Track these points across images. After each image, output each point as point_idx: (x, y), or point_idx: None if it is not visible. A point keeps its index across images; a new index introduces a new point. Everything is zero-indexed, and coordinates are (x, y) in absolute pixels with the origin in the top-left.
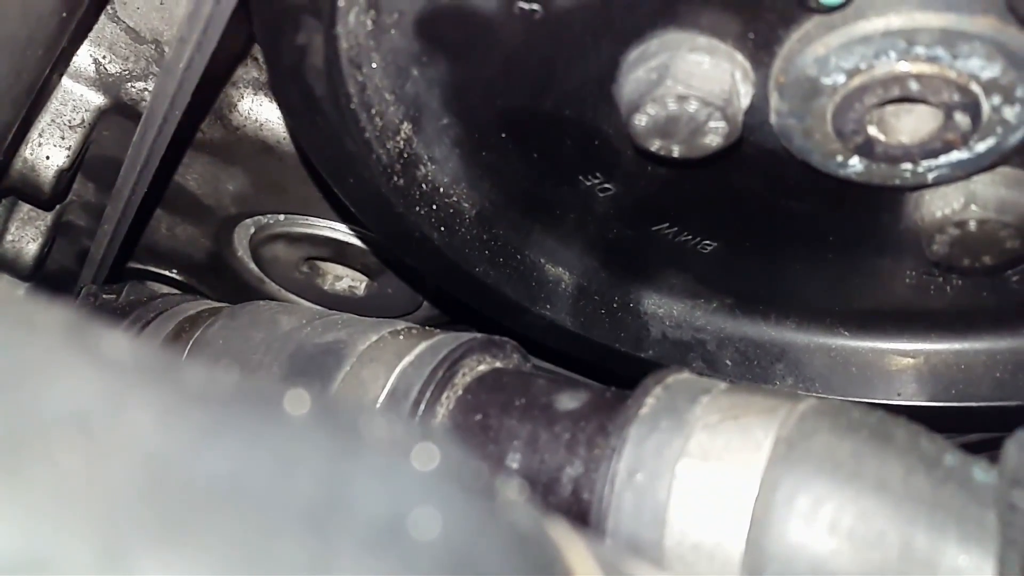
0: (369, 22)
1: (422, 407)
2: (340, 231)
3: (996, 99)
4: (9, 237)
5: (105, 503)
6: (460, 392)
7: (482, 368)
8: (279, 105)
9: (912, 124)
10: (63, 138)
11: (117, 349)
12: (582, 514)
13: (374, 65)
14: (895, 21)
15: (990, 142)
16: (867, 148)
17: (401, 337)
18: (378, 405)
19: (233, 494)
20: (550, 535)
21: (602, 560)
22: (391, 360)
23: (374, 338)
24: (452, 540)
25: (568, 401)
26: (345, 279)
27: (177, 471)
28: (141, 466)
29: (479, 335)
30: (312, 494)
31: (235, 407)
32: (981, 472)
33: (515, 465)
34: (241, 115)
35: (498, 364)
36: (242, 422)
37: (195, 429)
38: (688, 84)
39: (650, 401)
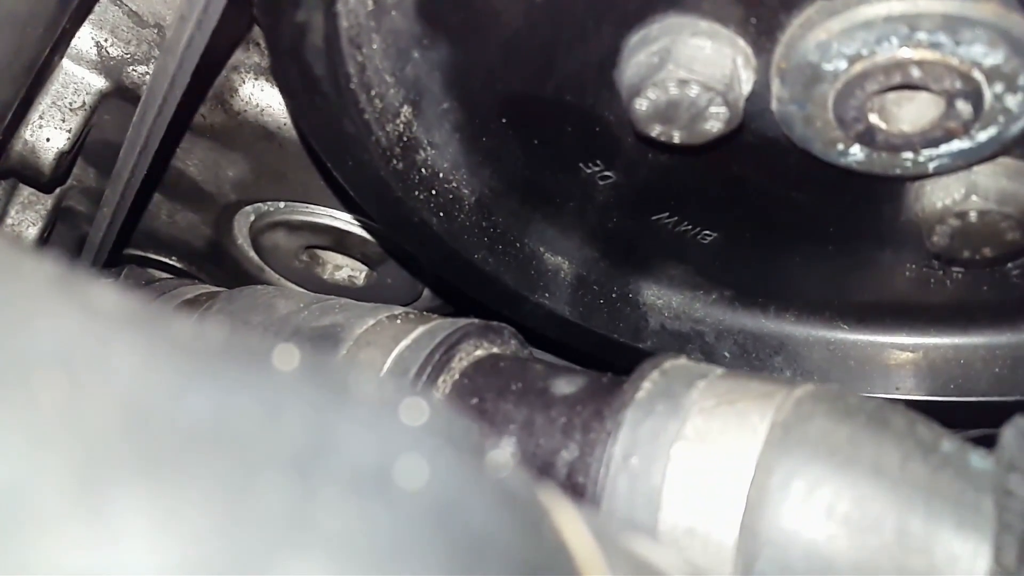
0: (370, 2)
1: (418, 390)
2: (341, 219)
3: (998, 87)
4: (9, 221)
5: (85, 437)
6: (456, 376)
7: (479, 353)
8: (278, 85)
9: (914, 112)
10: (64, 120)
11: (104, 296)
12: (577, 498)
13: (374, 46)
14: (897, 6)
15: (992, 131)
16: (868, 136)
17: (398, 321)
18: None
19: (216, 436)
20: (538, 497)
21: (594, 526)
22: (388, 344)
23: (371, 322)
24: (438, 491)
25: (564, 386)
26: (345, 268)
27: (159, 412)
28: (122, 405)
29: (476, 320)
30: (297, 439)
31: (222, 356)
32: (978, 459)
33: (511, 449)
34: (242, 100)
35: (495, 349)
36: (229, 370)
37: (180, 374)
38: (690, 69)
39: (646, 385)
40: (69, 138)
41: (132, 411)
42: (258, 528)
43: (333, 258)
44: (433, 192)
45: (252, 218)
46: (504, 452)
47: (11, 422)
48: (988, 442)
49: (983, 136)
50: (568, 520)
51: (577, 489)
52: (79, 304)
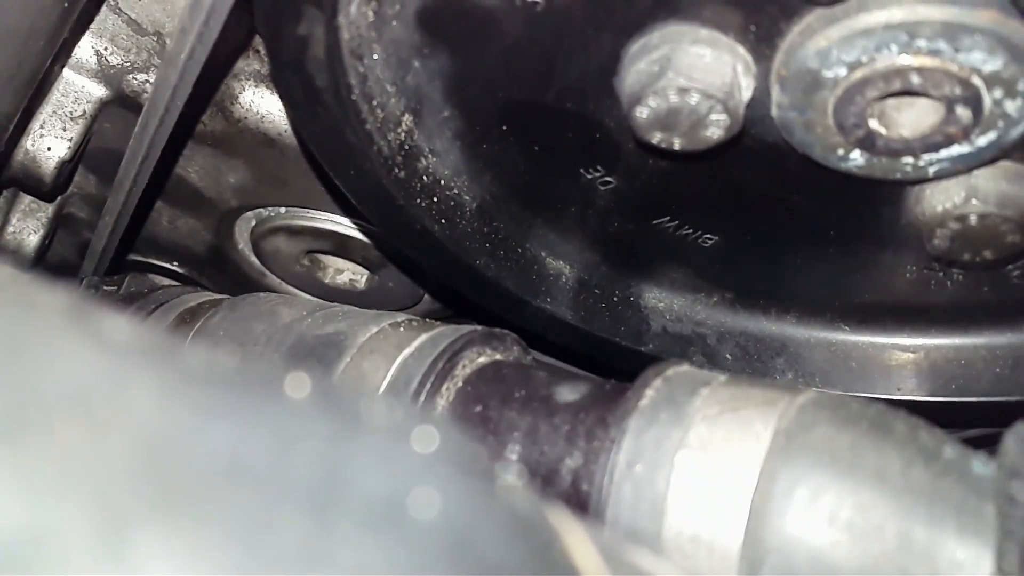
0: (370, 13)
1: (422, 398)
2: (341, 224)
3: (998, 93)
4: (10, 229)
5: (105, 479)
6: (460, 384)
7: (482, 360)
8: (280, 96)
9: (913, 118)
10: (64, 129)
11: (119, 330)
12: (581, 505)
13: (375, 56)
14: (897, 14)
15: (991, 136)
16: (868, 142)
17: (401, 329)
18: None
19: (233, 472)
20: (549, 519)
21: (600, 545)
22: (391, 351)
23: (374, 330)
24: (451, 521)
25: (568, 393)
26: (346, 273)
27: (177, 449)
28: (141, 444)
29: (479, 327)
30: (312, 473)
31: (236, 389)
32: (980, 465)
33: (514, 456)
34: (243, 107)
35: (498, 356)
36: (243, 403)
37: (196, 409)
38: (690, 76)
39: (650, 393)
40: (70, 147)
41: (150, 450)
42: (277, 564)
43: (334, 262)
44: (435, 199)
45: (253, 223)
46: (513, 475)
47: (31, 464)
48: (988, 442)
49: (983, 141)
50: (577, 542)
51: (582, 497)
52: (93, 340)
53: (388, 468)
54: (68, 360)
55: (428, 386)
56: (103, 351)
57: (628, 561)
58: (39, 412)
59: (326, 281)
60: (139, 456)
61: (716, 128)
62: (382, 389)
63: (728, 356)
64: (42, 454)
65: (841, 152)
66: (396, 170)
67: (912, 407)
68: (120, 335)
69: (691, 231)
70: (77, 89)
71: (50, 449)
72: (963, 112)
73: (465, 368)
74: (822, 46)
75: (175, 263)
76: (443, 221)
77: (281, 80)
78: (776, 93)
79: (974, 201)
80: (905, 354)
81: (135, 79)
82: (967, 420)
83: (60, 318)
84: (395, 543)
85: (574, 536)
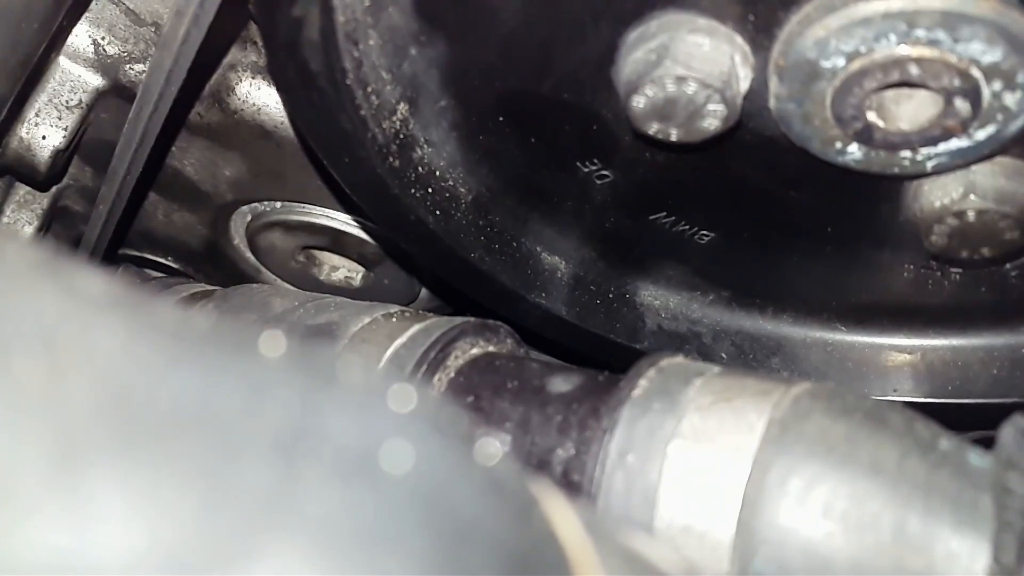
0: None
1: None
2: (338, 219)
3: (997, 85)
4: (5, 220)
5: (64, 415)
6: (452, 374)
7: (475, 351)
8: (274, 81)
9: (912, 110)
10: (60, 118)
11: (90, 281)
12: (573, 495)
13: (371, 42)
14: (896, 3)
15: (990, 130)
16: (866, 134)
17: (394, 319)
18: None
19: (198, 418)
20: (528, 486)
21: (586, 518)
22: (383, 342)
23: (367, 320)
24: (424, 476)
25: (561, 384)
26: (342, 269)
27: (141, 391)
28: (104, 382)
29: (472, 319)
30: (280, 421)
31: (207, 341)
32: (976, 457)
33: (506, 447)
34: (239, 99)
35: (491, 348)
36: (213, 354)
37: (163, 356)
38: (687, 65)
39: (643, 383)
40: (65, 136)
41: (112, 391)
42: (238, 510)
43: (330, 259)
44: (430, 190)
45: (249, 218)
46: (493, 441)
47: None
48: (986, 444)
49: (981, 134)
50: (558, 510)
51: (573, 487)
52: (63, 287)
53: (361, 420)
54: (34, 301)
55: (420, 376)
56: (72, 295)
57: (612, 534)
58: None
59: (322, 277)
60: (101, 394)
61: (713, 119)
62: None
63: (723, 355)
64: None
65: (839, 145)
66: (391, 159)
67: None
68: (91, 284)
69: (688, 227)
70: (73, 78)
71: (9, 383)
72: (962, 105)
73: (458, 359)
74: (820, 36)
75: (170, 258)
76: (438, 213)
77: (275, 64)
78: (774, 84)
79: (972, 197)
80: (902, 355)
81: (132, 69)
82: (964, 422)
83: (29, 266)
84: (364, 493)
85: (554, 504)
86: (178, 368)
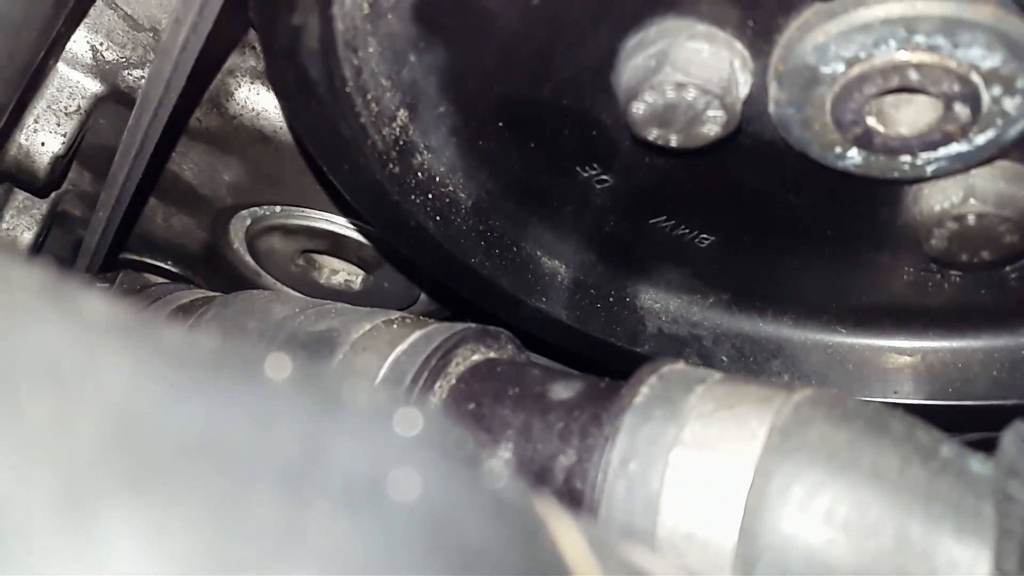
0: (366, 5)
1: (415, 395)
2: (337, 223)
3: (996, 90)
4: (4, 225)
5: (72, 452)
6: (453, 381)
7: (476, 358)
8: (274, 88)
9: (911, 115)
10: (59, 124)
11: (94, 306)
12: (575, 503)
13: (371, 49)
14: (896, 9)
15: (990, 134)
16: (866, 139)
17: (395, 326)
18: None
19: (205, 448)
20: (535, 507)
21: (589, 535)
22: (384, 349)
23: (368, 327)
24: (432, 503)
25: (562, 391)
26: (341, 273)
27: (148, 424)
28: (111, 417)
29: (473, 325)
30: (288, 451)
31: (212, 367)
32: (978, 463)
33: (508, 454)
34: (238, 104)
35: (492, 354)
36: (218, 381)
37: (169, 385)
38: (687, 72)
39: (644, 390)
40: (64, 142)
41: (121, 424)
42: (248, 543)
43: (329, 262)
44: (430, 196)
45: (248, 222)
46: (499, 462)
47: None
48: (986, 446)
49: (981, 139)
50: (565, 531)
51: (575, 495)
52: (68, 314)
53: (368, 448)
54: (39, 331)
55: (421, 383)
56: (76, 324)
57: (617, 553)
58: (6, 383)
59: (321, 281)
60: (108, 430)
61: (713, 124)
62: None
63: (724, 358)
64: (8, 423)
65: (838, 150)
66: (391, 165)
67: (909, 411)
68: (96, 311)
69: (687, 231)
70: (72, 84)
71: (16, 421)
72: (961, 110)
73: (459, 365)
74: (820, 41)
75: (169, 262)
76: (438, 218)
77: (275, 72)
78: (773, 89)
79: (972, 201)
80: (902, 357)
81: (131, 75)
82: (964, 424)
83: (33, 292)
84: (372, 523)
85: (561, 525)
86: (185, 397)
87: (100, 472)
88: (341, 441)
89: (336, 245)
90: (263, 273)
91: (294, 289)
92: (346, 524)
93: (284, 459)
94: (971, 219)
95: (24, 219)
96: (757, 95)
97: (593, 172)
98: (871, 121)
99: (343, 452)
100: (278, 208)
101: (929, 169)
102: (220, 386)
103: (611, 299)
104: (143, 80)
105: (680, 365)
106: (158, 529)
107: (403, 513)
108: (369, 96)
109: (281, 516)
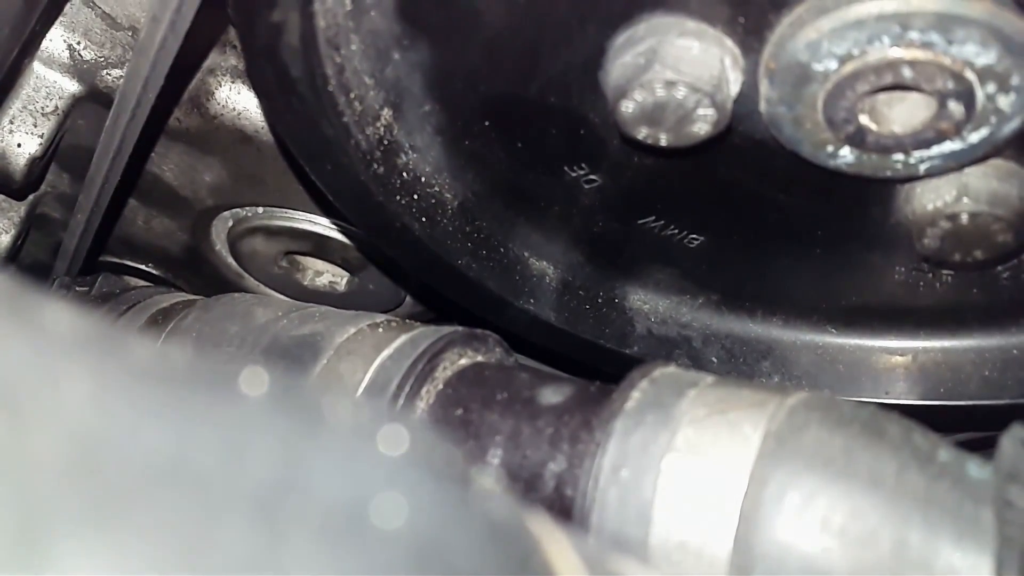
0: (348, 1)
1: (401, 401)
2: (320, 224)
3: (991, 87)
4: None
5: (27, 481)
6: (440, 386)
7: (463, 362)
8: (254, 87)
9: (905, 113)
10: (36, 125)
11: (58, 319)
12: (565, 511)
13: (353, 47)
14: (889, 5)
15: (983, 132)
16: (858, 138)
17: (380, 330)
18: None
19: (172, 474)
20: (527, 527)
21: (585, 555)
22: (369, 353)
23: (352, 331)
24: (418, 529)
25: (551, 395)
26: (325, 275)
27: (110, 449)
28: (70, 441)
29: (460, 328)
30: (263, 476)
31: (182, 384)
32: (976, 468)
33: (496, 461)
34: (218, 103)
35: (480, 358)
36: (188, 399)
37: (134, 405)
38: (676, 69)
39: (636, 395)
40: (41, 143)
41: (80, 449)
42: None
43: (313, 264)
44: (415, 196)
45: (230, 223)
46: (490, 479)
47: None
48: (978, 446)
49: (975, 137)
50: (559, 552)
51: (565, 502)
52: (25, 327)
53: (349, 471)
54: None
55: (407, 389)
56: (34, 338)
57: (613, 571)
58: None
59: (305, 283)
60: (66, 455)
61: (703, 123)
62: (360, 392)
63: (714, 359)
64: None
65: (830, 149)
66: (375, 166)
67: (901, 411)
68: (55, 323)
69: (677, 231)
70: (48, 84)
71: None
72: (955, 107)
73: (445, 370)
74: (812, 38)
75: (150, 264)
76: (423, 219)
77: (255, 70)
78: (765, 87)
79: (965, 200)
80: (893, 357)
81: (109, 75)
82: (956, 424)
83: None
84: (354, 554)
85: (555, 545)
86: (152, 418)
87: (57, 504)
88: (321, 464)
89: (320, 247)
90: (246, 275)
91: (277, 291)
92: (325, 556)
93: (259, 485)
94: (964, 218)
95: (2, 222)
96: (748, 93)
97: (581, 172)
98: (864, 119)
99: (323, 476)
100: (260, 209)
101: (922, 168)
102: (190, 405)
103: (600, 300)
104: (122, 80)
105: (672, 368)
106: (119, 569)
107: (387, 542)
108: (352, 95)
109: (253, 548)
